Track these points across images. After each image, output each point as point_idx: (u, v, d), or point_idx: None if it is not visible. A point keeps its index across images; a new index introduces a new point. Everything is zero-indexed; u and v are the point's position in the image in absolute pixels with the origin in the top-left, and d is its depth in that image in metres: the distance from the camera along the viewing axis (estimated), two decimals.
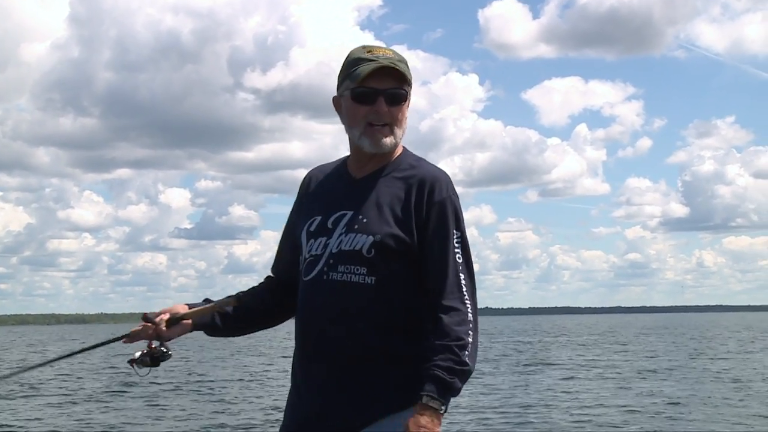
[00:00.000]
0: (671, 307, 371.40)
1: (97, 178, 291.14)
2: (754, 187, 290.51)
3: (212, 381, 21.34)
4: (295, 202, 2.62)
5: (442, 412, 2.26)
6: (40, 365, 2.96)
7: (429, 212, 2.36)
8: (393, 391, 2.33)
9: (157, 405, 16.36)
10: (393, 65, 2.38)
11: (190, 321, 2.52)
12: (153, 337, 2.48)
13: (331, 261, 2.38)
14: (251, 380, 21.68)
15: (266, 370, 24.90)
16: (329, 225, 2.42)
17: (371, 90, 2.39)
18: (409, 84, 2.43)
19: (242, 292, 2.60)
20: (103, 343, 2.59)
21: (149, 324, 2.48)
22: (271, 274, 2.66)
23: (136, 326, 2.51)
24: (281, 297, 2.58)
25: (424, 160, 2.49)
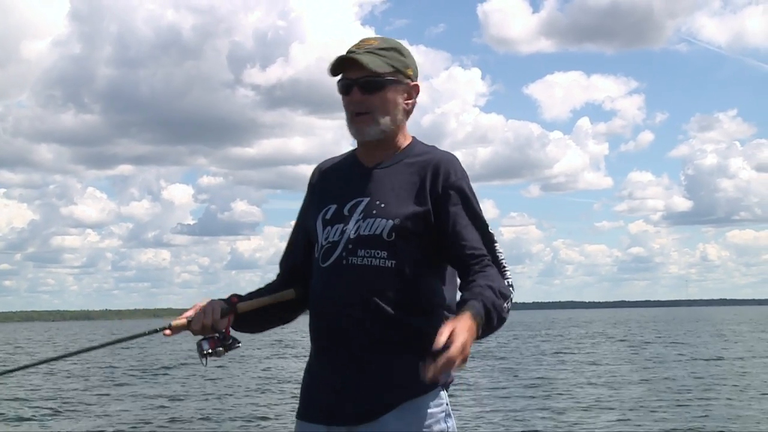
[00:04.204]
0: (675, 301, 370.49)
1: (99, 175, 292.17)
2: (757, 181, 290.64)
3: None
4: (306, 197, 2.62)
5: (479, 322, 2.18)
6: (73, 354, 2.76)
7: (448, 194, 2.39)
8: (415, 374, 2.24)
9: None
10: (351, 55, 2.41)
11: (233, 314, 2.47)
12: (208, 331, 2.42)
13: (350, 246, 2.39)
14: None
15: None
16: (345, 212, 2.43)
17: (346, 81, 2.44)
18: (396, 70, 2.44)
19: (262, 288, 2.57)
20: (143, 334, 2.50)
21: (226, 314, 2.42)
22: (280, 271, 2.64)
23: (180, 319, 2.43)
24: (299, 290, 2.54)
25: (435, 147, 2.52)
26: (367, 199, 2.42)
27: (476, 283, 2.28)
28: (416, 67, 2.52)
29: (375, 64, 2.41)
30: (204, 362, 2.42)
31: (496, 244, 2.39)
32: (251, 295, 2.54)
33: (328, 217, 2.46)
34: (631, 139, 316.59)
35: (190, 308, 2.46)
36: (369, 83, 2.41)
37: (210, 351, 2.41)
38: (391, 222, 2.36)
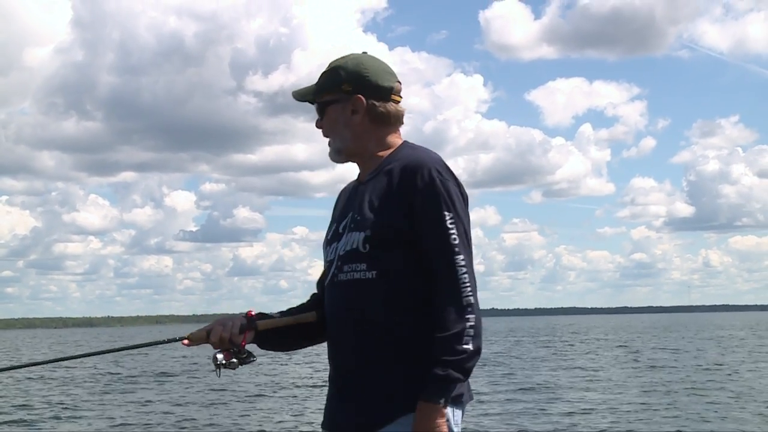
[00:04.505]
0: (678, 307, 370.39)
1: (102, 182, 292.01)
2: (759, 187, 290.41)
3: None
4: None
5: (440, 405, 2.26)
6: (82, 356, 2.80)
7: (415, 198, 2.36)
8: (409, 388, 2.32)
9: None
10: (293, 94, 2.61)
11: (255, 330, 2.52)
12: (225, 345, 2.47)
13: (339, 263, 2.46)
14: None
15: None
16: (340, 230, 2.50)
17: None
18: (328, 90, 2.51)
19: (293, 308, 2.63)
20: (163, 342, 2.54)
21: (246, 329, 2.46)
22: (316, 290, 2.69)
23: (200, 330, 2.48)
24: (320, 313, 2.58)
25: (419, 148, 2.50)
26: (351, 214, 2.49)
27: (433, 340, 2.29)
28: (366, 78, 2.48)
29: (302, 92, 2.60)
30: (218, 373, 2.49)
31: (457, 257, 2.32)
32: (281, 314, 2.60)
33: (329, 237, 2.56)
34: (633, 145, 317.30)
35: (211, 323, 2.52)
36: (318, 111, 2.57)
37: (224, 363, 2.46)
38: (362, 234, 2.40)
